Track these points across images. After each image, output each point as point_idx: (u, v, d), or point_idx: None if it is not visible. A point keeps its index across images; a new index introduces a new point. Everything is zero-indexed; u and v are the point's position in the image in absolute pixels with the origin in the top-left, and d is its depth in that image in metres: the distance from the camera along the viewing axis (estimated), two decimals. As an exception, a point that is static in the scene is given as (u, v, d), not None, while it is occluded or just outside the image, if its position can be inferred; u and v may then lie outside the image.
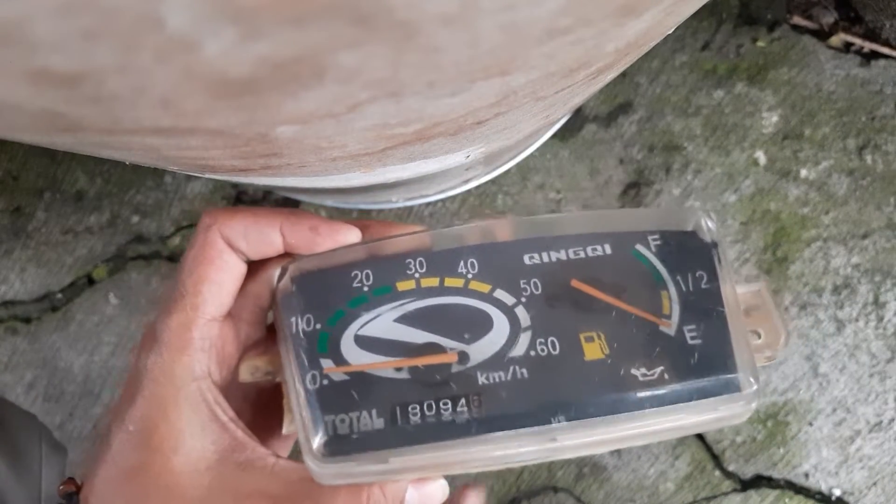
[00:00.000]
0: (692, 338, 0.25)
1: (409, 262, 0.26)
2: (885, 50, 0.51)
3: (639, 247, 0.27)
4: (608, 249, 0.26)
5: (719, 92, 0.52)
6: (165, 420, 0.23)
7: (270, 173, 0.25)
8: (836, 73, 0.51)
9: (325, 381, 0.24)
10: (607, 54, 0.19)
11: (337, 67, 0.13)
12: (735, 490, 0.50)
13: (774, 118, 0.51)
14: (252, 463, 0.23)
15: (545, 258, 0.26)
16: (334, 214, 0.52)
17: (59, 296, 0.52)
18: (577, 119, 0.52)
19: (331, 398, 0.24)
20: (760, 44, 0.52)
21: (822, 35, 0.52)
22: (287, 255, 0.26)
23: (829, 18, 0.52)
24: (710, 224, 0.27)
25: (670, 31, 0.24)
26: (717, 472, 0.51)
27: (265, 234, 0.25)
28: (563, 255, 0.26)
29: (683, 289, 0.26)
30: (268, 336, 0.27)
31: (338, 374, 0.24)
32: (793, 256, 0.51)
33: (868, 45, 0.52)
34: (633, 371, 0.25)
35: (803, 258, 0.50)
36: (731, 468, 0.51)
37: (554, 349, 0.25)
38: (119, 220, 0.52)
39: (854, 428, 0.50)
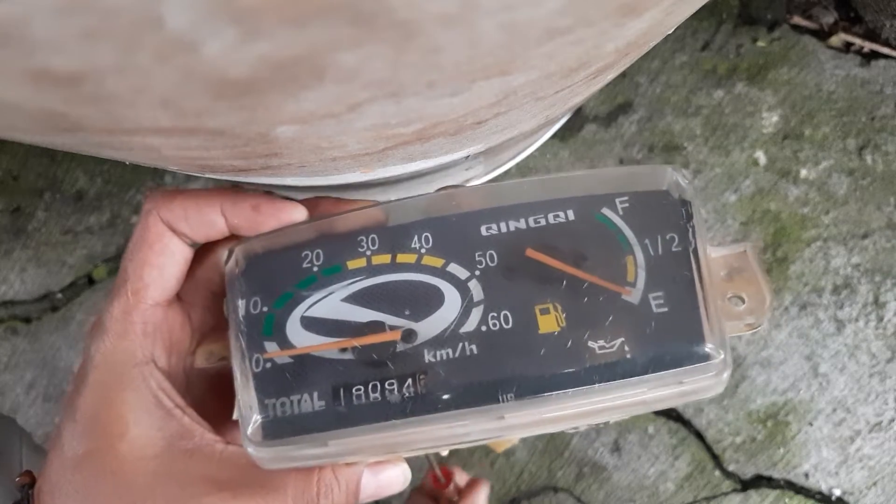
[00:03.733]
0: (658, 306, 0.24)
1: (361, 240, 0.25)
2: (885, 50, 0.51)
3: (605, 210, 0.25)
4: (571, 215, 0.25)
5: (719, 92, 0.52)
6: (108, 407, 0.23)
7: (270, 173, 0.25)
8: (836, 73, 0.51)
9: (268, 365, 0.24)
10: (607, 54, 0.19)
11: (337, 68, 0.13)
12: (735, 490, 0.50)
13: (774, 118, 0.51)
14: (200, 449, 0.23)
15: (503, 228, 0.25)
16: (334, 214, 0.52)
17: (60, 296, 0.52)
18: (577, 119, 0.52)
19: (272, 381, 0.23)
20: (760, 44, 0.52)
21: (821, 35, 0.52)
22: (237, 237, 0.25)
23: (828, 18, 0.52)
24: (682, 182, 0.25)
25: (670, 32, 0.24)
26: (717, 472, 0.51)
27: (206, 216, 0.24)
28: (522, 224, 0.25)
29: (651, 253, 0.24)
30: (227, 321, 0.27)
31: (281, 357, 0.24)
32: (793, 256, 0.51)
33: (868, 45, 0.52)
34: (591, 343, 0.23)
35: (803, 258, 0.50)
36: (731, 468, 0.51)
37: (507, 323, 0.24)
38: (119, 220, 0.52)
39: (854, 428, 0.50)
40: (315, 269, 0.25)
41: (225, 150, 0.18)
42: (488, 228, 0.25)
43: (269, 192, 0.27)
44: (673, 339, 0.24)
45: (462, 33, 0.13)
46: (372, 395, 0.23)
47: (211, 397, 0.26)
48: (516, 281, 0.24)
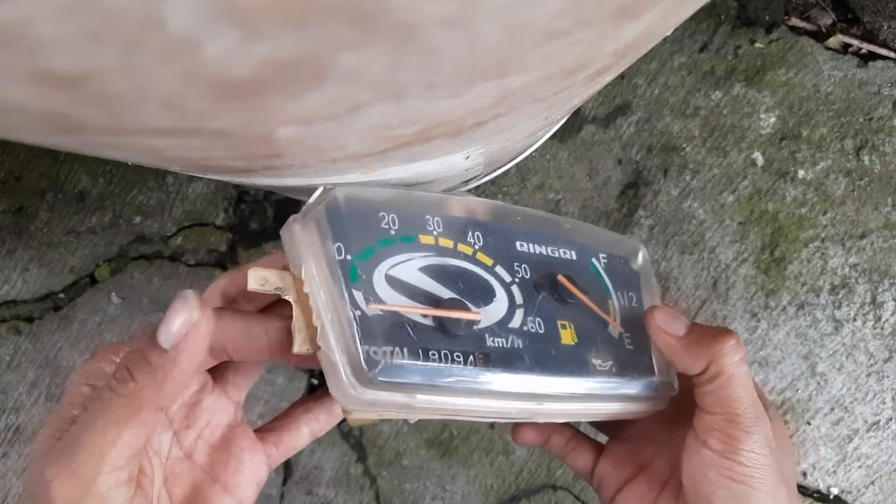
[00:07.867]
0: (627, 343, 0.30)
1: (428, 219, 0.27)
2: (883, 51, 0.52)
3: (594, 260, 0.31)
4: (574, 255, 0.31)
5: (717, 93, 0.52)
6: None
7: (272, 174, 0.25)
8: (833, 75, 0.52)
9: (359, 313, 0.24)
10: (605, 56, 0.19)
11: (338, 69, 0.13)
12: (734, 489, 0.50)
13: (772, 119, 0.52)
14: None
15: (530, 249, 0.30)
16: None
17: (62, 295, 0.52)
18: (576, 120, 0.52)
19: (366, 329, 0.24)
20: (758, 45, 0.52)
21: (819, 36, 0.52)
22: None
23: (826, 20, 0.52)
24: (639, 257, 0.32)
25: (668, 33, 0.24)
26: (716, 472, 0.51)
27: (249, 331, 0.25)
28: (543, 250, 0.30)
29: (622, 302, 0.31)
30: (274, 257, 0.27)
31: (372, 309, 0.24)
32: (790, 257, 0.51)
33: (866, 47, 0.52)
34: (594, 360, 0.29)
35: (801, 258, 0.51)
36: (729, 468, 0.51)
37: (539, 329, 0.28)
38: (121, 221, 0.52)
39: (852, 427, 0.50)
40: (393, 232, 0.26)
41: (226, 150, 0.19)
42: (521, 245, 0.30)
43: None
44: (638, 371, 0.30)
45: (461, 35, 0.13)
46: (448, 363, 0.25)
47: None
48: (542, 295, 0.29)
